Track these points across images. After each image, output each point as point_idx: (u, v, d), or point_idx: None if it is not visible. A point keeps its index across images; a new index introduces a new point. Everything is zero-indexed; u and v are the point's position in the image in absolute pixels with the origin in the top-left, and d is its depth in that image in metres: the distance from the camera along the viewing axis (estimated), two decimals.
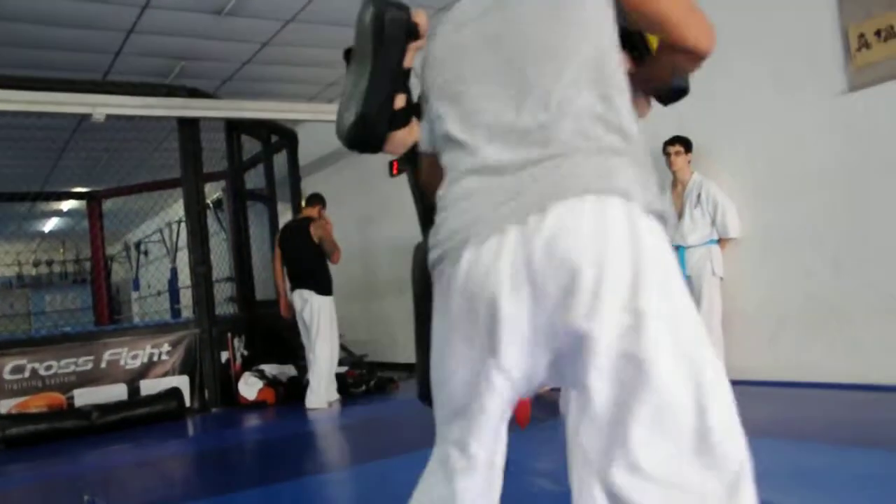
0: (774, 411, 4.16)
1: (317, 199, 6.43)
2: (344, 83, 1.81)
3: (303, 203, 6.50)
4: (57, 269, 15.95)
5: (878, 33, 4.11)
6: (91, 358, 6.21)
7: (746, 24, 4.82)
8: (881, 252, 4.20)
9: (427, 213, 2.00)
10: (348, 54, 1.84)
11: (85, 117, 6.62)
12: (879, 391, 4.16)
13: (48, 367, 6.02)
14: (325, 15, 6.34)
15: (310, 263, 6.04)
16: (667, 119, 5.25)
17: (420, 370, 1.88)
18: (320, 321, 5.96)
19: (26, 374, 5.93)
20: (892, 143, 4.13)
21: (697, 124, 5.07)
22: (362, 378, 6.74)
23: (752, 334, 4.86)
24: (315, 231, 6.09)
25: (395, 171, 7.91)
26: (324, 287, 6.05)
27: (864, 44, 4.18)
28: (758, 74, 4.77)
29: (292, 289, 6.16)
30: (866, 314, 4.29)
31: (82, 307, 14.12)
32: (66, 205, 13.06)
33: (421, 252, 1.86)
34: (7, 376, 5.85)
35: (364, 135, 1.79)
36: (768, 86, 4.72)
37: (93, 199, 10.50)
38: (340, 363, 6.96)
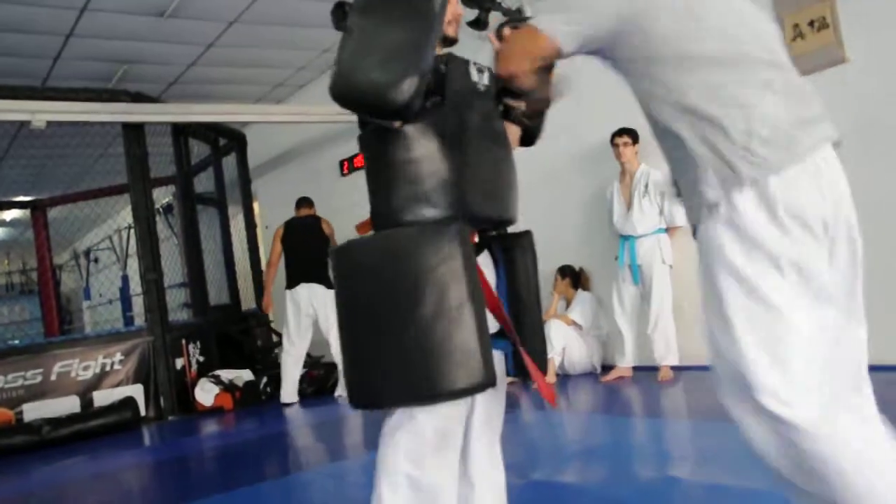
0: None
1: (311, 200, 6.58)
2: (358, 35, 1.66)
3: (298, 205, 6.69)
4: (2, 280, 15.54)
5: (811, 23, 4.23)
6: (40, 371, 6.06)
7: None
8: None
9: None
10: (341, 7, 1.73)
11: (24, 124, 6.46)
12: None
13: None
14: (268, 15, 6.28)
15: (321, 258, 6.07)
16: (614, 110, 5.34)
17: (351, 375, 1.81)
18: (330, 313, 5.98)
19: None
20: None
21: (641, 114, 5.15)
22: (320, 379, 6.73)
23: (702, 320, 4.96)
24: (327, 227, 6.32)
25: (345, 171, 7.88)
26: (330, 282, 6.11)
27: (798, 34, 4.30)
28: None
29: (294, 284, 6.19)
30: None
31: (30, 319, 13.77)
32: (9, 214, 12.69)
33: (355, 253, 1.79)
34: None
35: (415, 94, 1.63)
36: None
37: (37, 208, 10.26)
38: None
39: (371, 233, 1.84)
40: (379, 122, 1.76)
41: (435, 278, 1.68)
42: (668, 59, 1.56)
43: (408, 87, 1.61)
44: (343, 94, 1.65)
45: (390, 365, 1.70)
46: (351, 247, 1.79)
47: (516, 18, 1.83)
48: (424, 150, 1.76)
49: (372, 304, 1.72)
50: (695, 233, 1.59)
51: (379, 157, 1.81)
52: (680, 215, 4.95)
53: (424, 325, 1.67)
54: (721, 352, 1.56)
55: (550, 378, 5.24)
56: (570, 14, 1.62)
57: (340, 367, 6.14)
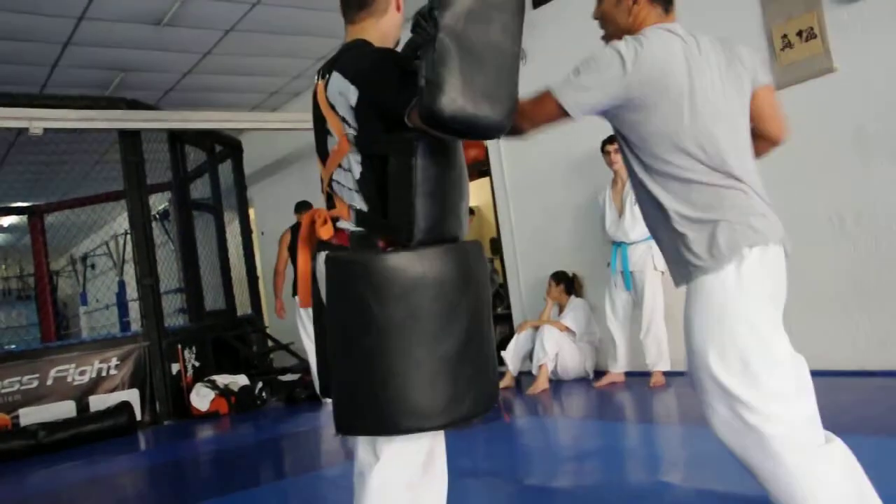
0: None
1: (310, 204, 6.50)
2: (462, 50, 1.51)
3: (297, 210, 6.54)
4: None
5: (799, 34, 4.29)
6: (36, 376, 6.09)
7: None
8: (810, 243, 4.39)
9: None
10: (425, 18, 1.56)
11: (22, 131, 6.50)
12: (813, 376, 4.30)
13: None
14: (265, 24, 6.33)
15: None
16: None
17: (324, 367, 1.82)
18: None
19: None
20: (816, 140, 4.31)
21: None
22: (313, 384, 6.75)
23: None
24: None
25: None
26: None
27: (787, 44, 4.36)
28: None
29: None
30: (798, 303, 4.46)
31: (27, 324, 13.77)
32: (7, 220, 12.71)
33: (352, 266, 1.71)
34: None
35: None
36: None
37: (34, 214, 10.29)
38: (292, 370, 6.96)
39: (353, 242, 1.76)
40: (439, 136, 1.63)
41: (483, 300, 1.77)
42: (663, 141, 1.78)
43: (511, 113, 1.63)
44: (457, 117, 1.51)
45: (413, 389, 1.65)
46: (344, 263, 1.71)
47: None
48: (443, 167, 1.74)
49: (424, 324, 1.66)
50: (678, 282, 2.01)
51: (404, 168, 1.68)
52: None
53: (474, 346, 1.72)
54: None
55: (544, 383, 5.28)
56: (582, 78, 1.77)
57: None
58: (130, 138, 6.72)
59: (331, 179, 1.81)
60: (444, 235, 1.73)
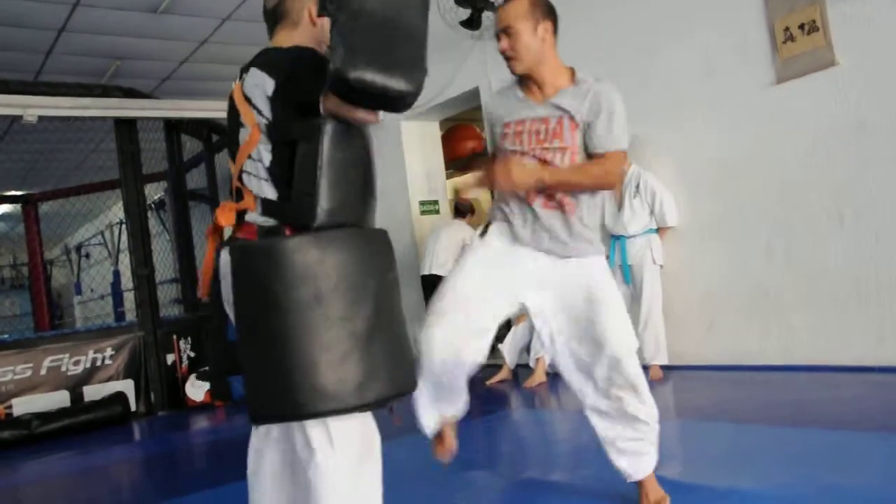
0: (713, 395, 4.30)
1: None
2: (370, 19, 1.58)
3: None
4: None
5: (801, 27, 4.26)
6: (30, 365, 6.05)
7: (679, 17, 4.94)
8: (810, 238, 4.37)
9: None
10: None
11: (16, 119, 6.44)
12: (811, 371, 4.33)
13: None
14: (261, 13, 6.26)
15: None
16: None
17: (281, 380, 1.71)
18: None
19: None
20: (817, 133, 4.30)
21: (634, 116, 5.18)
22: None
23: (692, 321, 5.00)
24: None
25: None
26: None
27: (789, 37, 4.33)
28: (691, 66, 4.90)
29: None
30: (798, 298, 4.46)
31: (21, 313, 13.71)
32: (0, 208, 12.65)
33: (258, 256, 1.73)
34: None
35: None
36: (701, 77, 4.85)
37: (28, 203, 10.21)
38: None
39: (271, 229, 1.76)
40: (357, 117, 1.70)
41: (390, 283, 1.79)
42: None
43: (421, 84, 1.62)
44: (365, 80, 1.55)
45: (328, 371, 1.65)
46: (248, 250, 1.72)
47: None
48: (350, 155, 1.76)
49: (329, 306, 1.67)
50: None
51: (310, 152, 1.70)
52: (671, 216, 4.98)
53: (384, 327, 1.74)
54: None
55: (541, 376, 5.26)
56: (623, 125, 2.44)
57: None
58: (126, 127, 6.67)
59: (241, 172, 1.82)
60: (347, 221, 1.75)
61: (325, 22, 1.84)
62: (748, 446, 3.12)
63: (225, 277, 1.82)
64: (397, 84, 1.58)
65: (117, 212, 9.78)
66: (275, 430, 1.88)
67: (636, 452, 2.48)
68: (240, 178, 1.82)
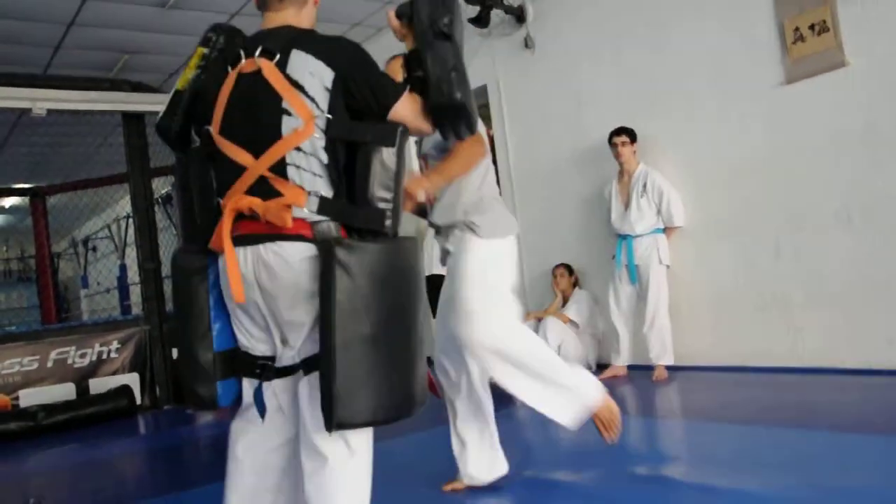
0: (719, 396, 4.29)
1: None
2: (450, 51, 1.82)
3: None
4: (0, 267, 15.53)
5: (811, 27, 4.24)
6: (37, 357, 6.08)
7: (688, 16, 4.92)
8: (817, 239, 4.35)
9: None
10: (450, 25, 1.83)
11: (25, 112, 6.47)
12: (818, 374, 4.31)
13: None
14: None
15: None
16: (614, 110, 5.35)
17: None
18: None
19: None
20: (826, 134, 4.27)
21: (642, 115, 5.17)
22: None
23: (699, 321, 4.99)
24: None
25: None
26: None
27: (798, 37, 4.31)
28: (700, 67, 4.88)
29: None
30: (805, 299, 4.44)
31: (28, 306, 13.77)
32: (8, 201, 12.69)
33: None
34: None
35: None
36: (710, 78, 4.83)
37: (36, 196, 10.24)
38: None
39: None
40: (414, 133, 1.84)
41: (422, 294, 1.79)
42: None
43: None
44: (460, 107, 1.80)
45: (394, 378, 1.68)
46: (392, 248, 1.72)
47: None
48: (406, 162, 1.81)
49: (417, 312, 1.73)
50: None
51: (376, 158, 1.71)
52: (678, 216, 4.97)
53: (416, 339, 1.74)
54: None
55: None
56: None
57: None
58: (134, 121, 6.69)
59: (281, 163, 1.71)
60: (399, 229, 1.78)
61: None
62: (753, 448, 3.11)
63: (271, 272, 1.72)
64: (472, 109, 1.86)
65: (125, 205, 9.80)
66: (285, 428, 1.86)
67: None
68: (277, 170, 1.71)
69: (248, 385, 1.88)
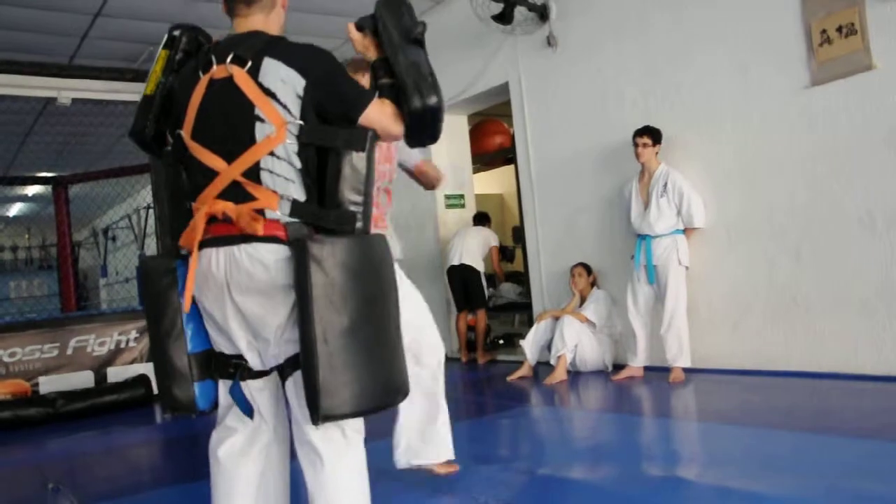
0: (738, 399, 4.26)
1: None
2: (423, 58, 1.82)
3: None
4: (22, 254, 15.71)
5: (839, 29, 4.19)
6: (57, 345, 6.15)
7: (713, 19, 4.88)
8: (840, 243, 4.31)
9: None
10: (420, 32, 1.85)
11: (50, 101, 6.54)
12: (837, 379, 4.27)
13: (12, 354, 5.96)
14: (297, 2, 6.28)
15: None
16: (636, 110, 5.33)
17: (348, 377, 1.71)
18: None
19: None
20: (851, 138, 4.23)
21: (665, 115, 5.14)
22: None
23: (717, 323, 4.95)
24: None
25: None
26: None
27: (825, 39, 4.26)
28: (724, 68, 4.84)
29: None
30: (826, 304, 4.40)
31: (49, 294, 13.92)
32: (31, 189, 12.84)
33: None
34: None
35: None
36: (734, 79, 4.79)
37: (58, 184, 10.33)
38: None
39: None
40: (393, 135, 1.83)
41: (395, 286, 1.83)
42: None
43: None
44: (437, 109, 1.80)
45: (379, 366, 1.73)
46: (362, 240, 1.76)
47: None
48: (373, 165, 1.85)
49: (377, 304, 1.75)
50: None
51: (358, 162, 1.76)
52: (699, 217, 4.93)
53: (393, 329, 1.78)
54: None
55: (562, 374, 5.25)
56: None
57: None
58: None
59: (254, 168, 1.73)
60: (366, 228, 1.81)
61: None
62: (770, 451, 3.09)
63: (242, 271, 1.74)
64: (441, 115, 1.83)
65: (145, 196, 9.88)
66: (272, 419, 1.91)
67: None
68: (250, 174, 1.73)
69: (223, 389, 1.92)
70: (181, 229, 1.83)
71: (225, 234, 1.75)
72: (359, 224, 1.75)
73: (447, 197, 7.45)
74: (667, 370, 4.90)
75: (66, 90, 6.23)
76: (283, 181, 1.73)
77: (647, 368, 5.12)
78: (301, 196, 1.75)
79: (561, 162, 6.05)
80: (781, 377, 4.51)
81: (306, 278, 1.64)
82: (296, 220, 1.74)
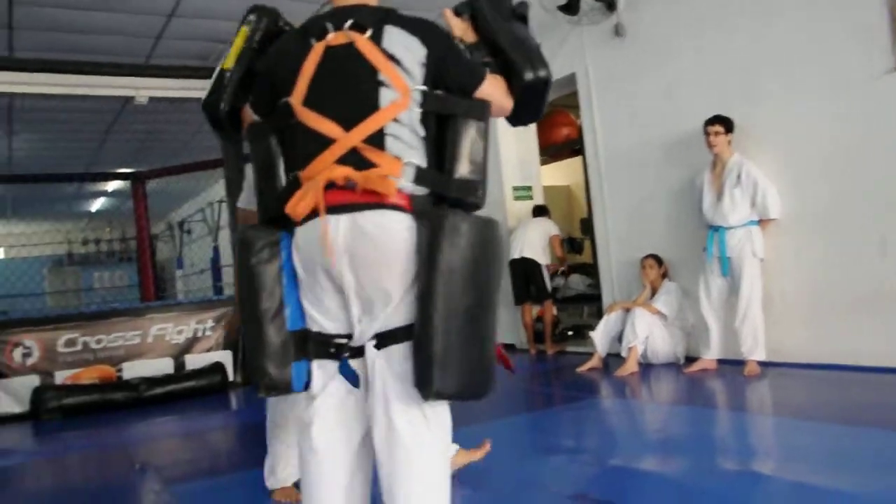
0: (813, 394, 4.15)
1: None
2: (529, 33, 1.92)
3: None
4: (104, 247, 16.38)
5: None
6: (139, 332, 6.41)
7: (792, 4, 4.74)
8: (848, 239, 4.12)
9: None
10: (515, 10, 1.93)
11: (129, 100, 6.80)
12: None
13: (98, 341, 6.24)
14: None
15: None
16: (708, 98, 5.21)
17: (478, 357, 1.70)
18: None
19: (78, 347, 6.17)
20: None
21: (738, 103, 5.02)
22: None
23: (793, 316, 4.82)
24: None
25: None
26: None
27: None
28: (802, 54, 4.69)
29: None
30: (835, 297, 4.22)
31: (129, 284, 14.48)
32: (112, 185, 13.35)
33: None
34: (61, 349, 6.10)
35: None
36: (813, 65, 4.64)
37: (137, 180, 10.71)
38: None
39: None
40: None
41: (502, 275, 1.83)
42: None
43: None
44: (547, 82, 1.87)
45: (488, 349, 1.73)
46: (490, 224, 1.72)
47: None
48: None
49: (488, 287, 1.72)
50: None
51: (479, 131, 1.80)
52: (774, 208, 4.80)
53: (496, 319, 1.76)
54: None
55: (633, 366, 5.20)
56: None
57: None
58: None
59: (377, 134, 1.69)
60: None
61: None
62: (848, 448, 3.01)
63: (371, 241, 1.68)
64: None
65: (219, 190, 10.16)
66: (359, 410, 1.79)
67: None
68: (373, 140, 1.69)
69: (317, 369, 1.80)
70: (278, 200, 1.78)
71: (346, 201, 1.69)
72: (479, 193, 1.76)
73: (515, 189, 7.44)
74: (741, 363, 4.80)
75: (144, 89, 6.49)
76: (407, 148, 1.71)
77: (720, 361, 5.02)
78: (423, 163, 1.73)
79: (629, 152, 5.97)
80: (861, 372, 4.36)
81: (439, 254, 1.62)
82: (419, 188, 1.72)
